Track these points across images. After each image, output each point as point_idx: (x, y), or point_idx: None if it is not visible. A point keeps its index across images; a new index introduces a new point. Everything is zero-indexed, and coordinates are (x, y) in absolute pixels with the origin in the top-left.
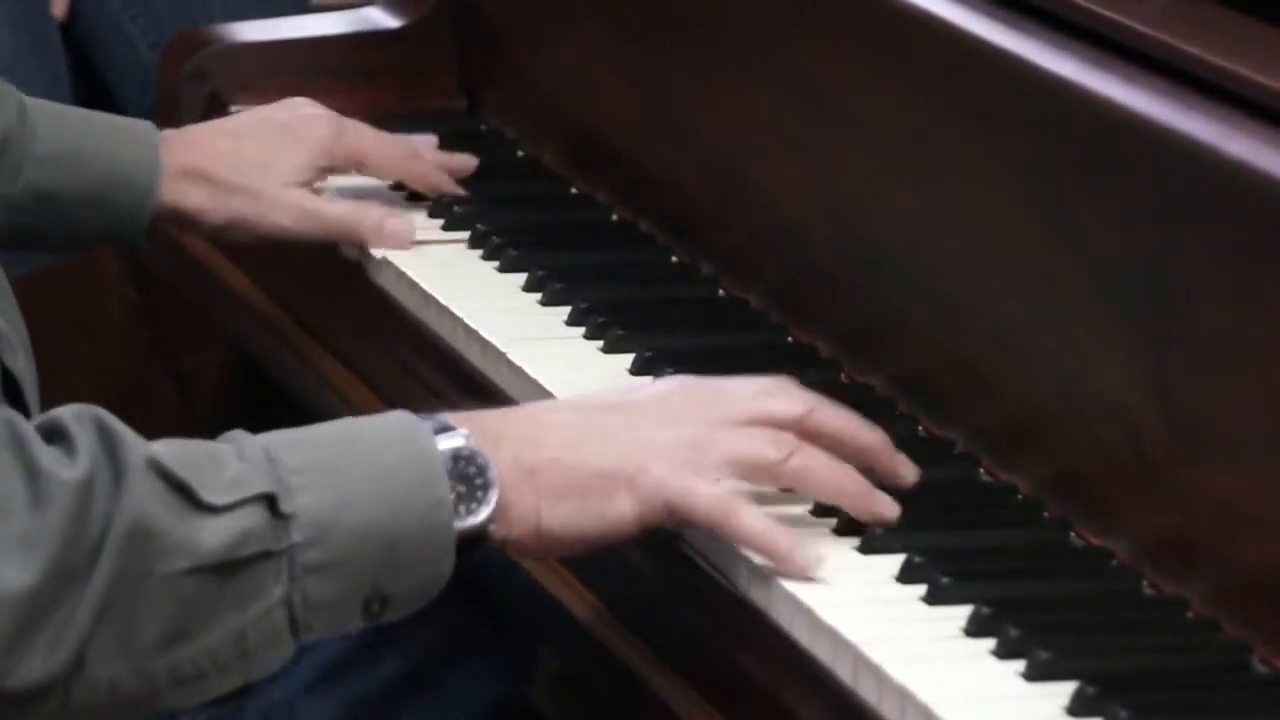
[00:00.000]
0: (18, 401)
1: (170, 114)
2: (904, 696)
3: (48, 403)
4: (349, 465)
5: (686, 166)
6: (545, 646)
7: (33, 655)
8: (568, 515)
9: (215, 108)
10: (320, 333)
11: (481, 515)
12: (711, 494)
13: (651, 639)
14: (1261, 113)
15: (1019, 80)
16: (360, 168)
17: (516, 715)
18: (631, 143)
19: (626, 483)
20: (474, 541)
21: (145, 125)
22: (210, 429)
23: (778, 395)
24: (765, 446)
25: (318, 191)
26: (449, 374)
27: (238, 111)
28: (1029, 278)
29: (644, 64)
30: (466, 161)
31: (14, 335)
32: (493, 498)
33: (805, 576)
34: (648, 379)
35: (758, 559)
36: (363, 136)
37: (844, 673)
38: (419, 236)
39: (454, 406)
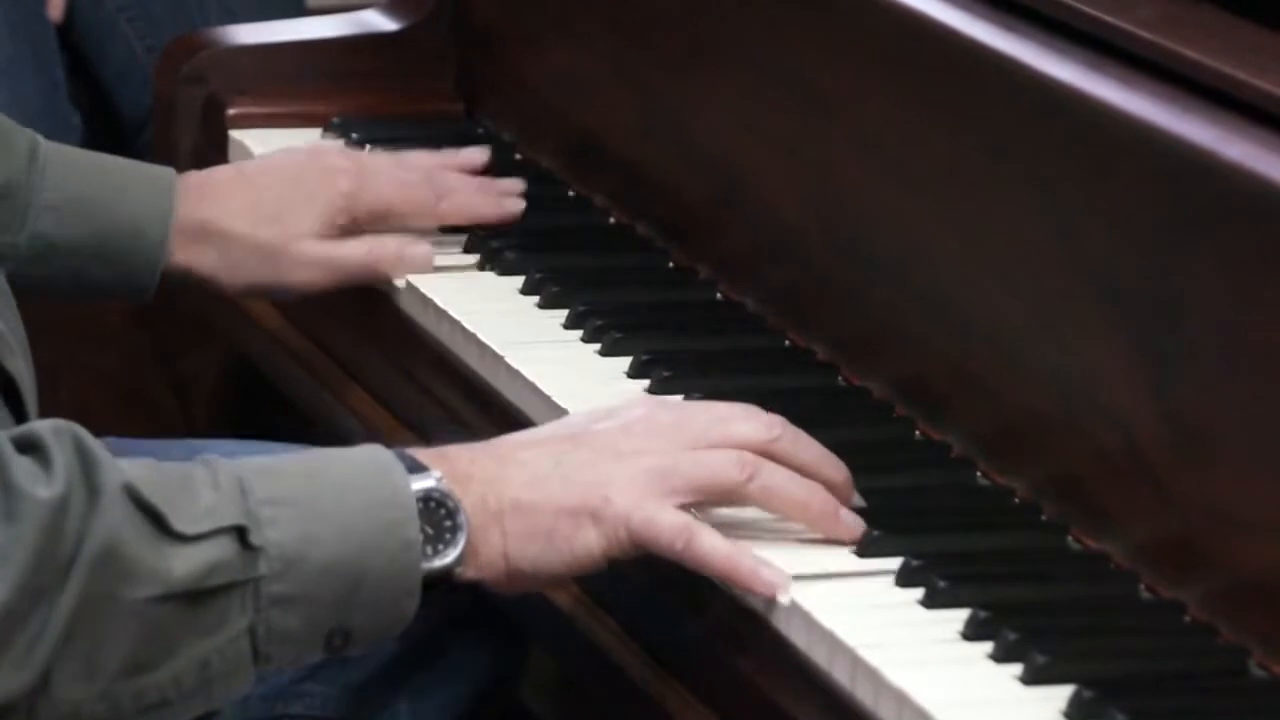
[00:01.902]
0: (16, 404)
1: (167, 117)
2: (901, 700)
3: (46, 406)
4: (320, 501)
5: (684, 170)
6: (539, 645)
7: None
8: (536, 554)
9: (212, 111)
10: (319, 336)
11: (449, 557)
12: (672, 522)
13: (647, 641)
14: (1259, 117)
15: (1016, 84)
16: (386, 223)
17: (509, 704)
18: (629, 146)
19: (590, 517)
20: (439, 582)
21: (164, 172)
22: (207, 433)
23: (743, 420)
24: (728, 468)
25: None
26: (447, 377)
27: (234, 116)
28: (1026, 281)
29: (642, 67)
30: (477, 154)
31: (13, 338)
32: (460, 540)
33: (772, 596)
34: (616, 405)
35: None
36: (384, 191)
37: (841, 676)
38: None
39: (450, 408)
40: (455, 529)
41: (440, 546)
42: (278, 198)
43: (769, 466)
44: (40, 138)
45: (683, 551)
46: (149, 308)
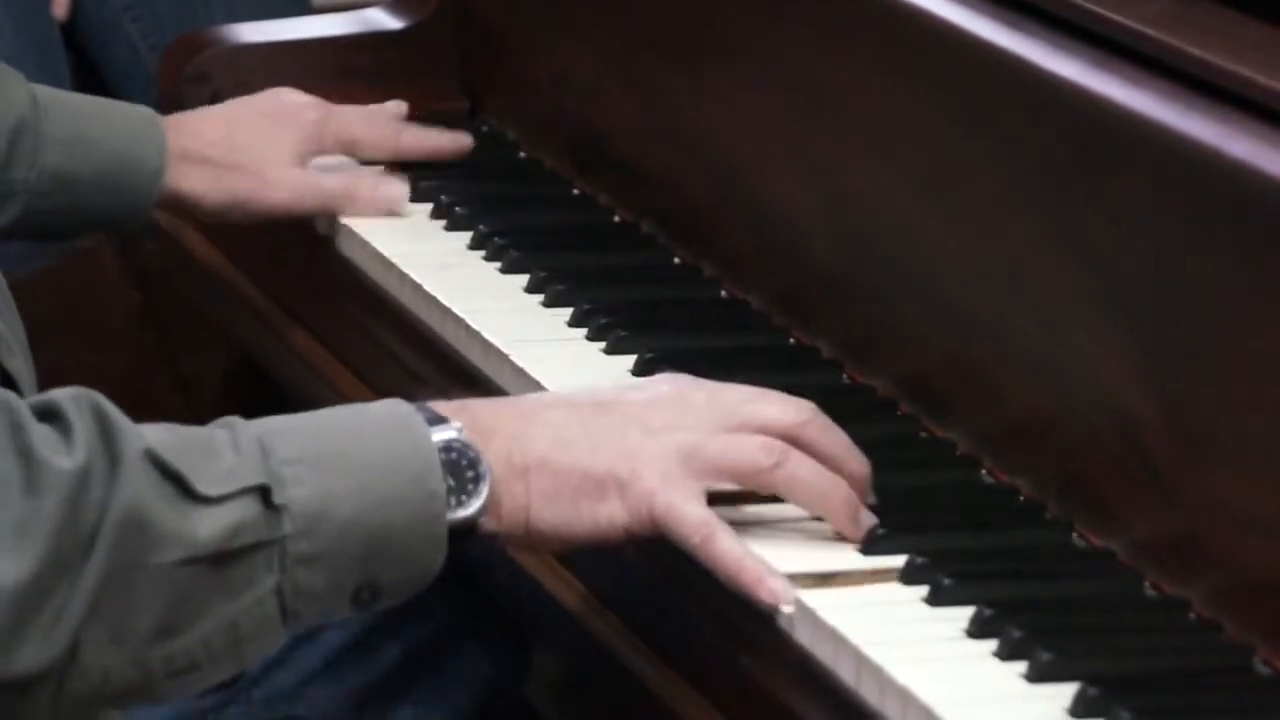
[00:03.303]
0: None
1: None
2: (906, 697)
3: None
4: (342, 456)
5: (688, 168)
6: (544, 645)
7: (26, 644)
8: (558, 515)
9: None
10: (322, 334)
11: (473, 507)
12: (696, 516)
13: (652, 638)
14: (1263, 114)
15: (1020, 81)
16: (351, 151)
17: (514, 703)
18: (633, 144)
19: (618, 488)
20: (465, 533)
21: (147, 110)
22: None
23: (773, 402)
24: (755, 452)
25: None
26: (452, 376)
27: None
28: (1031, 279)
29: (646, 66)
30: (461, 139)
31: (12, 336)
32: (484, 490)
33: (772, 607)
34: (643, 379)
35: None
36: (350, 119)
37: (846, 673)
38: (421, 238)
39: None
40: (478, 479)
41: (464, 497)
42: (253, 128)
43: (796, 455)
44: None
45: (699, 547)
46: (155, 306)
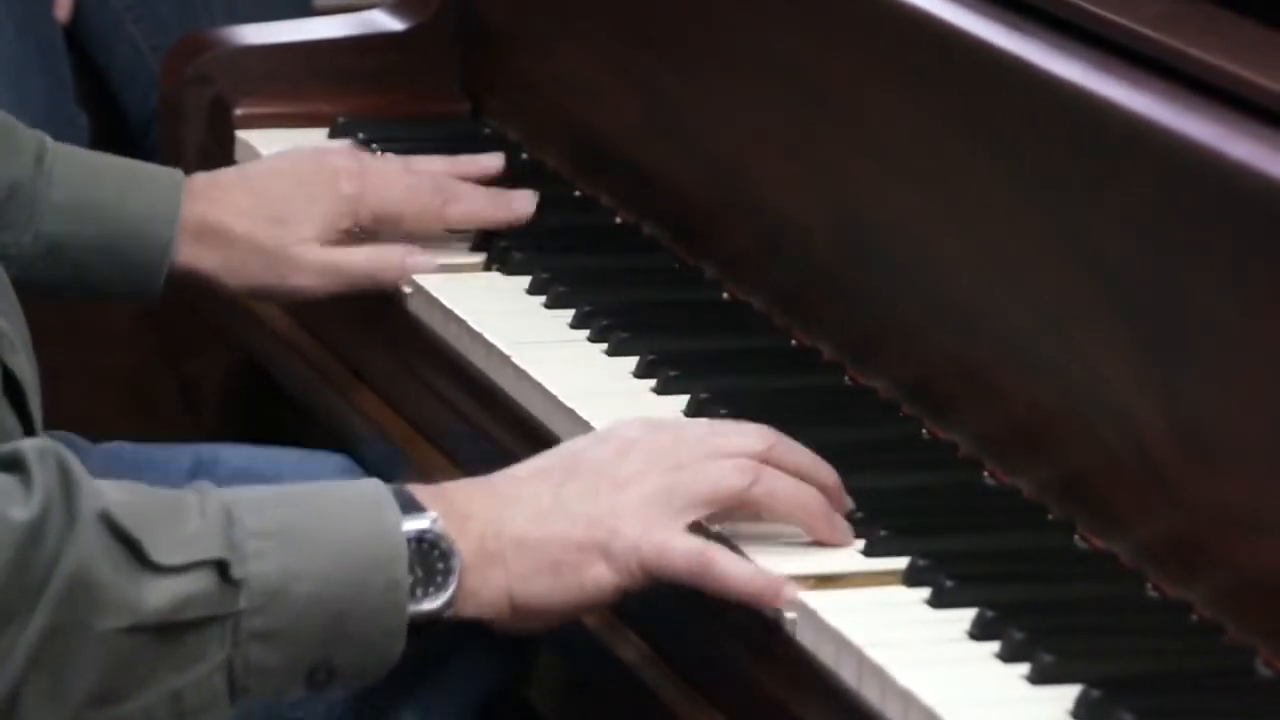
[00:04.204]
0: (19, 401)
1: (173, 117)
2: (908, 699)
3: (53, 408)
4: (309, 534)
5: (690, 170)
6: (548, 648)
7: None
8: (543, 591)
9: (218, 111)
10: (325, 337)
11: (439, 601)
12: (687, 548)
13: (653, 640)
14: (1264, 115)
15: (1021, 83)
16: (391, 227)
17: (517, 706)
18: (635, 146)
19: (600, 551)
20: (427, 625)
21: (170, 174)
22: (214, 433)
23: (736, 432)
24: (729, 475)
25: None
26: (454, 377)
27: (241, 116)
28: (1032, 280)
29: (647, 68)
30: (492, 160)
31: (15, 335)
32: (451, 584)
33: (789, 610)
34: (608, 428)
35: (756, 557)
36: (390, 192)
37: (848, 675)
38: (423, 241)
39: (457, 409)
40: (448, 572)
41: (431, 589)
42: (281, 200)
43: (770, 471)
44: (48, 138)
45: (701, 576)
46: (155, 307)
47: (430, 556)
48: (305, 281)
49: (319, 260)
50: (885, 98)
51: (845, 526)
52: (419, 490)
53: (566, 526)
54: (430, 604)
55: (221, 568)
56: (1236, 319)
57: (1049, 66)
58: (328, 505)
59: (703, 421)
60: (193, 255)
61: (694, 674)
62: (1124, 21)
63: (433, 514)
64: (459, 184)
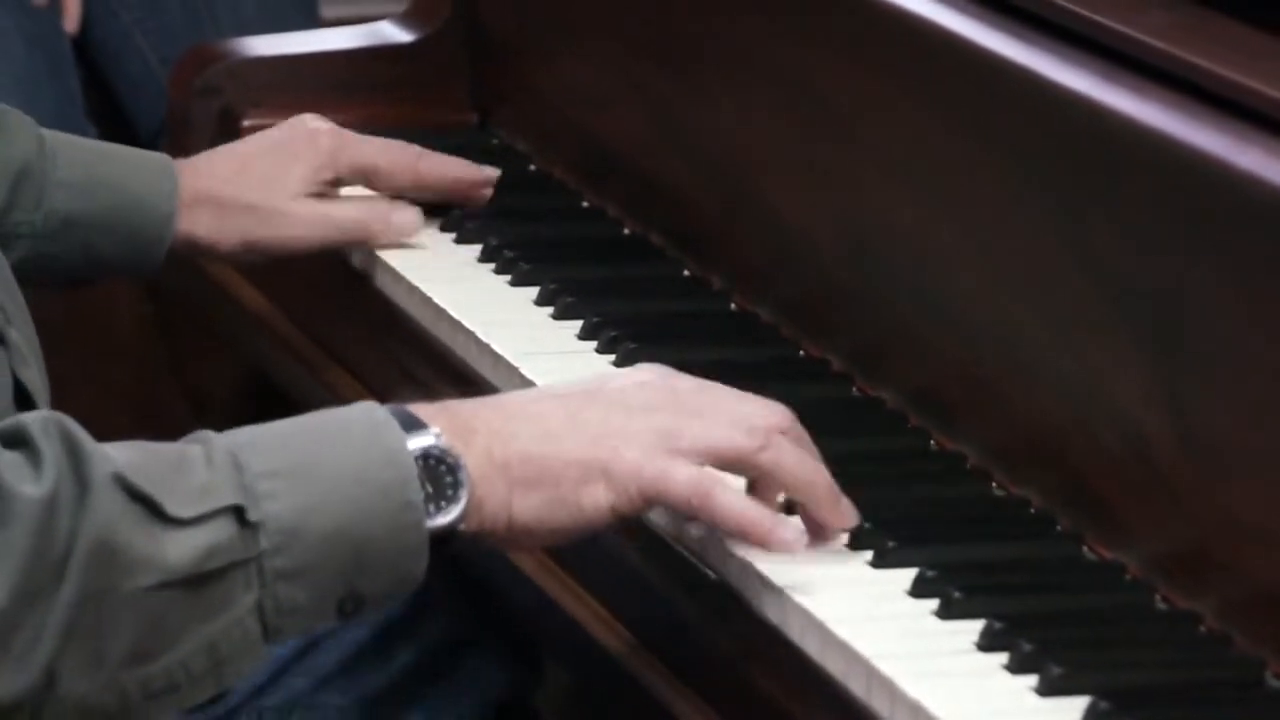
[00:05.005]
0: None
1: (182, 129)
2: (916, 711)
3: None
4: (317, 468)
5: (697, 180)
6: (555, 658)
7: (1, 674)
8: (541, 506)
9: (227, 122)
10: (333, 348)
11: (452, 514)
12: (687, 476)
13: (662, 651)
14: (1271, 125)
15: (1028, 93)
16: (369, 180)
17: (524, 714)
18: (643, 157)
19: (600, 471)
20: (445, 539)
21: (161, 156)
22: None
23: (758, 402)
24: (738, 434)
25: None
26: (462, 388)
27: (249, 128)
28: (1040, 291)
29: (655, 78)
30: (489, 173)
31: (26, 347)
32: (463, 496)
33: (789, 552)
34: (631, 367)
35: (764, 566)
36: (366, 147)
37: (856, 687)
38: (432, 252)
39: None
40: (457, 484)
41: (442, 503)
42: (265, 161)
43: (780, 439)
44: (41, 128)
45: (699, 507)
46: (163, 315)
47: (437, 471)
48: (298, 232)
49: (309, 211)
50: (892, 108)
51: (849, 508)
52: (420, 408)
53: (570, 445)
54: (444, 518)
55: (238, 513)
56: (1245, 328)
57: (1056, 77)
58: (330, 435)
59: (726, 387)
60: (189, 223)
61: (701, 683)
62: (1132, 32)
63: (435, 429)
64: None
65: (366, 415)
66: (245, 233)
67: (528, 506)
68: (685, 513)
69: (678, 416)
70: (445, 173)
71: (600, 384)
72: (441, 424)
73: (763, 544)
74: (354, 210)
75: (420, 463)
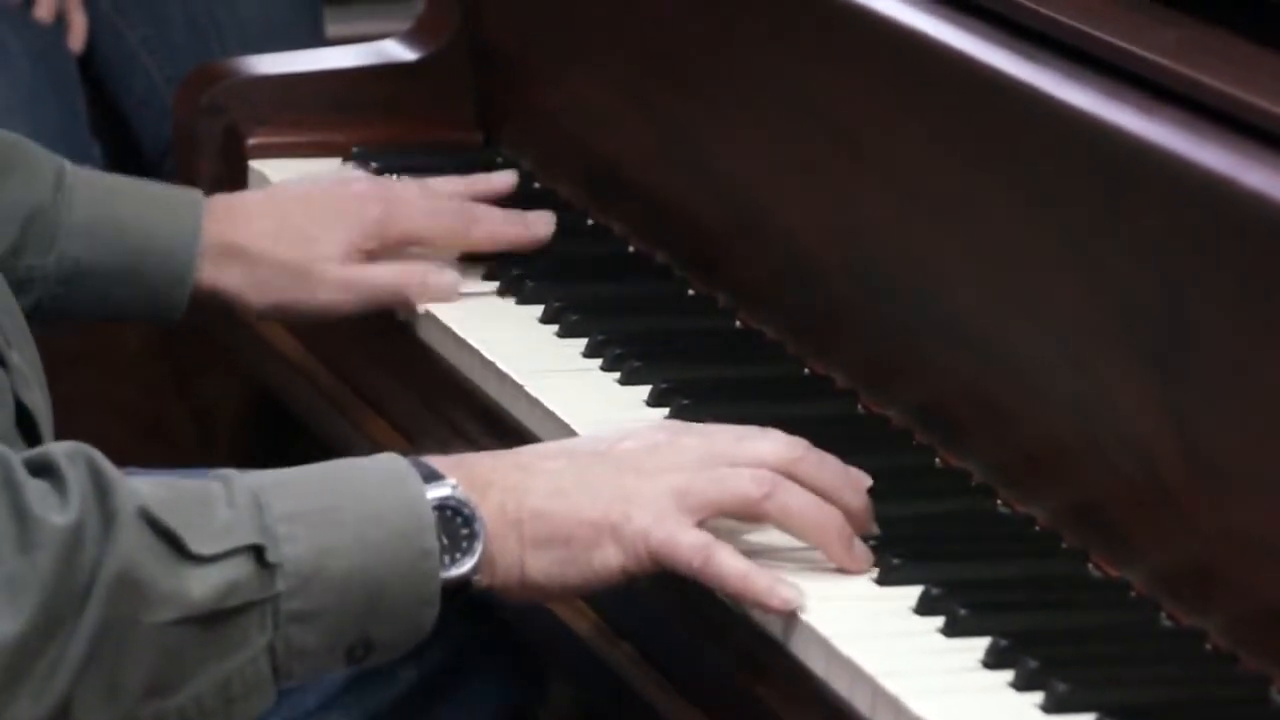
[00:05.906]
0: (33, 436)
1: (187, 147)
2: None
3: (65, 438)
4: (336, 513)
5: (703, 198)
6: (558, 673)
7: (18, 701)
8: (552, 565)
9: (232, 141)
10: (338, 364)
11: (466, 565)
12: (692, 541)
13: (665, 667)
14: (1278, 143)
15: (1035, 111)
16: (418, 246)
17: None
18: (648, 175)
19: (611, 532)
20: (457, 591)
21: (191, 194)
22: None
23: (766, 439)
24: (744, 484)
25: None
26: (467, 406)
27: (254, 146)
28: (1045, 309)
29: (660, 96)
30: (504, 178)
31: (29, 370)
32: (478, 548)
33: (787, 612)
34: (638, 427)
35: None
36: (414, 215)
37: (861, 704)
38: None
39: (469, 437)
40: (472, 537)
41: (457, 555)
42: (305, 219)
43: (787, 485)
44: (67, 162)
45: (701, 569)
46: (168, 335)
47: (454, 523)
48: (329, 297)
49: (344, 276)
50: (899, 126)
51: (864, 553)
52: (437, 460)
53: (584, 504)
54: (459, 569)
55: (258, 553)
56: (1251, 347)
57: (1063, 95)
58: (351, 481)
59: (734, 427)
60: (216, 275)
61: (705, 701)
62: (1138, 50)
63: (452, 480)
64: (478, 206)
65: (388, 464)
66: (275, 294)
67: (539, 564)
68: (689, 576)
69: (686, 474)
70: (497, 240)
71: (613, 444)
72: (459, 477)
73: (763, 606)
74: (390, 275)
75: (437, 512)
